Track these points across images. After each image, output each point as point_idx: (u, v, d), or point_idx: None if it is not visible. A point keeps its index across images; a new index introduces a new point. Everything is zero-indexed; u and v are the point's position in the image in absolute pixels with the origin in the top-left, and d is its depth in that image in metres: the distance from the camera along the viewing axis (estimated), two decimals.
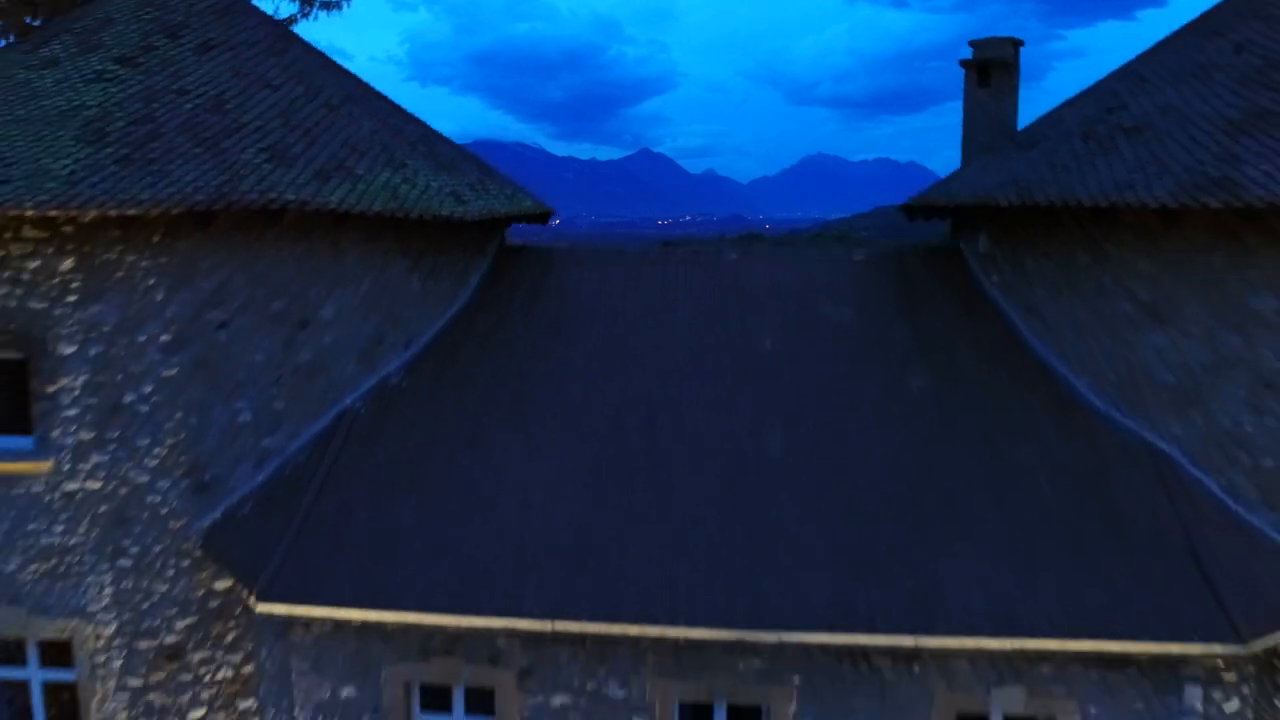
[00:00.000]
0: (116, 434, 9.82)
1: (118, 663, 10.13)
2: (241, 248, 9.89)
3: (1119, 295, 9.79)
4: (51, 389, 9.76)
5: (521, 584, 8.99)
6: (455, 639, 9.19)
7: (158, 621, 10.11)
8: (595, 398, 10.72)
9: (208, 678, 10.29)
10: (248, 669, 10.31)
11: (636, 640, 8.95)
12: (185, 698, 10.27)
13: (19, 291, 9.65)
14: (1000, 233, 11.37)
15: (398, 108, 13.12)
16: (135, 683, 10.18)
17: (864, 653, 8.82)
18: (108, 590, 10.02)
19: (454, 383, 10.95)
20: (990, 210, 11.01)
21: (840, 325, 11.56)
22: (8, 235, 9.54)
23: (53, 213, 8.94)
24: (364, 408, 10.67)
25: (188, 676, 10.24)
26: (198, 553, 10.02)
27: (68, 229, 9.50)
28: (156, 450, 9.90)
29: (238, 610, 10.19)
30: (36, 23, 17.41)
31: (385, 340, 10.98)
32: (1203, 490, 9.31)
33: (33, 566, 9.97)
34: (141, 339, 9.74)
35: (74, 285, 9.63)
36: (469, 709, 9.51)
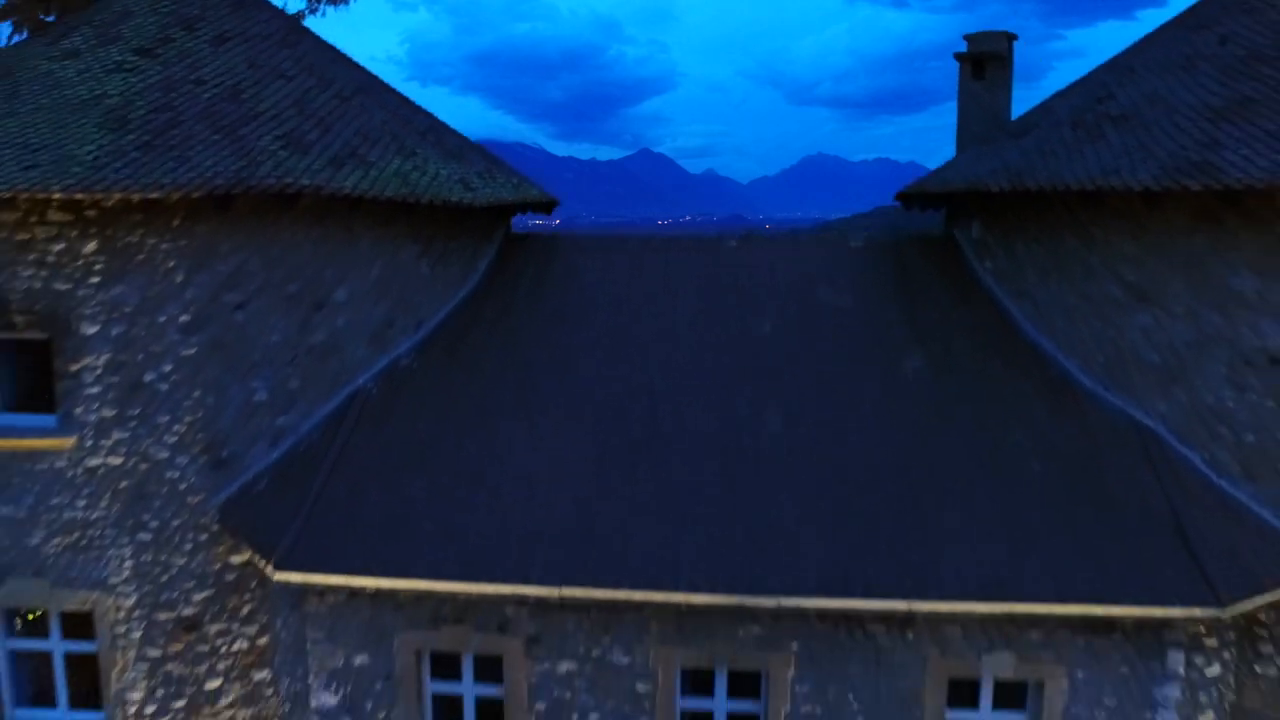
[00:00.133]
0: (137, 411, 10.16)
1: (137, 634, 10.47)
2: (258, 232, 10.23)
3: (1106, 277, 10.13)
4: (75, 368, 10.10)
5: (530, 554, 9.32)
6: (465, 607, 9.53)
7: (176, 594, 10.45)
8: (599, 378, 11.05)
9: (224, 649, 10.61)
10: (262, 641, 10.64)
11: (640, 608, 9.29)
12: (202, 668, 10.60)
13: (44, 273, 9.99)
14: (992, 219, 11.72)
15: (406, 99, 13.45)
16: (154, 653, 10.51)
17: (859, 619, 9.16)
18: (128, 563, 10.36)
19: (463, 365, 11.28)
20: (982, 197, 11.35)
21: (838, 310, 11.88)
22: (33, 219, 9.88)
23: (78, 196, 9.27)
24: (375, 388, 11.00)
25: (205, 648, 10.57)
26: (215, 527, 10.35)
27: (91, 213, 9.83)
28: (175, 427, 10.24)
29: (253, 584, 10.52)
30: (50, 18, 17.74)
31: (396, 323, 11.32)
32: (1187, 465, 9.65)
33: (56, 540, 10.31)
34: (162, 319, 10.08)
35: (97, 267, 9.97)
36: (478, 676, 9.86)
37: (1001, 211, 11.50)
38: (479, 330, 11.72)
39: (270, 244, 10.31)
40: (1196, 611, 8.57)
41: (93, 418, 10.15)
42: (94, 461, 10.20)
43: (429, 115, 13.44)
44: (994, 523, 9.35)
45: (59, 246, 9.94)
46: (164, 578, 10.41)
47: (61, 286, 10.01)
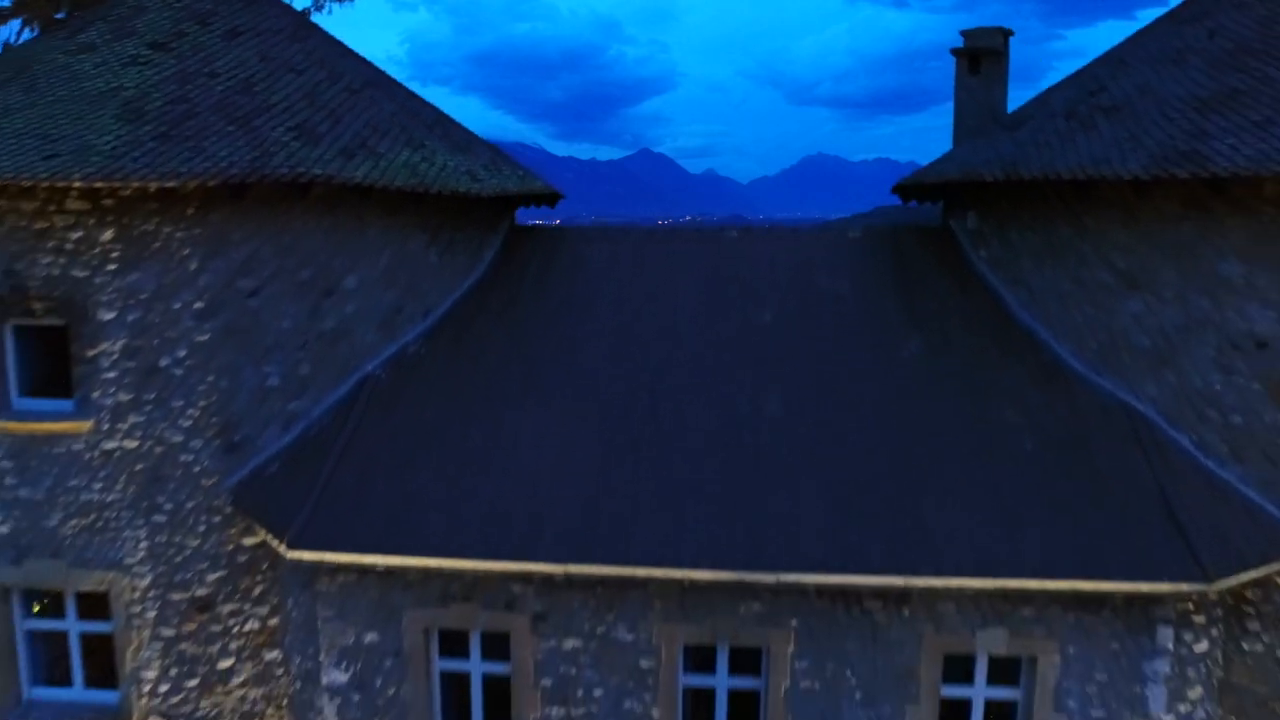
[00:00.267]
0: (152, 396, 10.41)
1: (152, 614, 10.71)
2: (271, 220, 10.48)
3: (1098, 264, 10.38)
4: (92, 353, 10.35)
5: (536, 533, 9.56)
6: (473, 585, 9.78)
7: (190, 575, 10.69)
8: (603, 365, 11.29)
9: (236, 629, 10.87)
10: (273, 621, 10.89)
11: (644, 585, 9.54)
12: (215, 648, 10.85)
13: (62, 261, 10.24)
14: (987, 209, 11.97)
15: (413, 94, 13.71)
16: (168, 633, 10.76)
17: (857, 596, 9.41)
18: (143, 544, 10.60)
19: (470, 352, 11.54)
20: (978, 187, 11.60)
21: (837, 299, 12.14)
22: (52, 208, 10.13)
23: (98, 185, 9.53)
24: (384, 374, 11.25)
25: (217, 628, 10.82)
26: (228, 509, 10.60)
27: (108, 202, 10.09)
28: (190, 411, 10.49)
29: (264, 565, 10.77)
30: (60, 15, 17.96)
31: (404, 310, 11.58)
32: (1176, 446, 9.90)
33: (73, 521, 10.56)
34: (176, 306, 10.33)
35: (114, 255, 10.22)
36: (485, 653, 10.11)
37: (996, 201, 11.75)
38: (485, 318, 11.98)
39: (282, 232, 10.57)
40: (1184, 587, 8.82)
41: (109, 402, 10.40)
42: (110, 445, 10.45)
43: (435, 109, 13.70)
44: (988, 502, 9.59)
45: (77, 235, 10.19)
46: (178, 559, 10.66)
47: (79, 274, 10.26)
